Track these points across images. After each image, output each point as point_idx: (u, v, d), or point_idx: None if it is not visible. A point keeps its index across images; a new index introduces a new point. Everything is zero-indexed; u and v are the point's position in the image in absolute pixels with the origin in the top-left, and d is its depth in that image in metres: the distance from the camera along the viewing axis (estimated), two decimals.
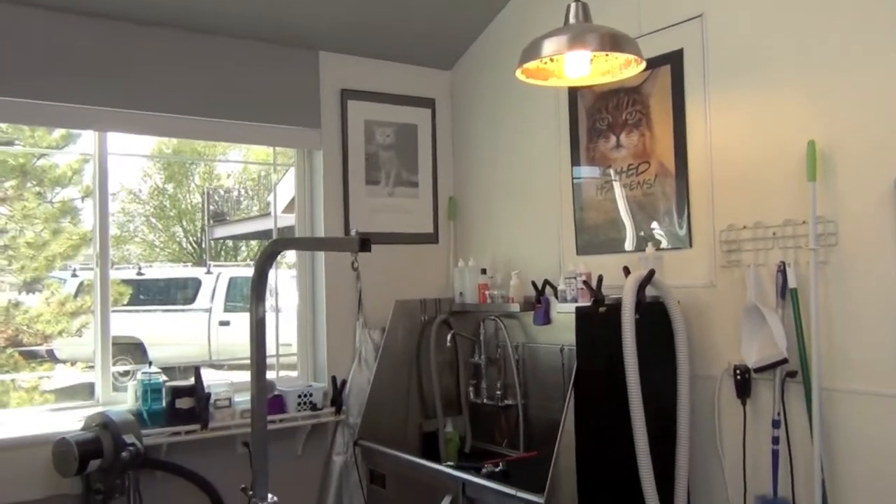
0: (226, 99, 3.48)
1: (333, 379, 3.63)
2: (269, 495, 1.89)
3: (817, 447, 2.46)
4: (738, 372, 2.72)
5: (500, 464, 3.11)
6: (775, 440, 2.62)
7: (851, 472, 2.45)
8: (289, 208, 4.34)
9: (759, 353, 2.63)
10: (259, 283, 1.68)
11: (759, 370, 2.63)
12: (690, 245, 2.93)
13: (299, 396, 3.53)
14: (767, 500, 2.64)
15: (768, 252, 2.65)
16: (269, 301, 3.88)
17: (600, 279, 2.84)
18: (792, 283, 2.56)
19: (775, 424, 2.62)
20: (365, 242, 1.37)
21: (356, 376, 3.69)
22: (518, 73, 2.48)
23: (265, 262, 1.67)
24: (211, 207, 11.08)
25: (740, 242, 2.74)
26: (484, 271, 3.66)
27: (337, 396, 3.61)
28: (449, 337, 3.64)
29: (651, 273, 2.75)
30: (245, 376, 3.57)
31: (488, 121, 3.92)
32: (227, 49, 3.49)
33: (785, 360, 2.54)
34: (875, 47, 2.38)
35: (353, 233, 1.41)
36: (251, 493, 1.98)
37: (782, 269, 2.59)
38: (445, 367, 3.77)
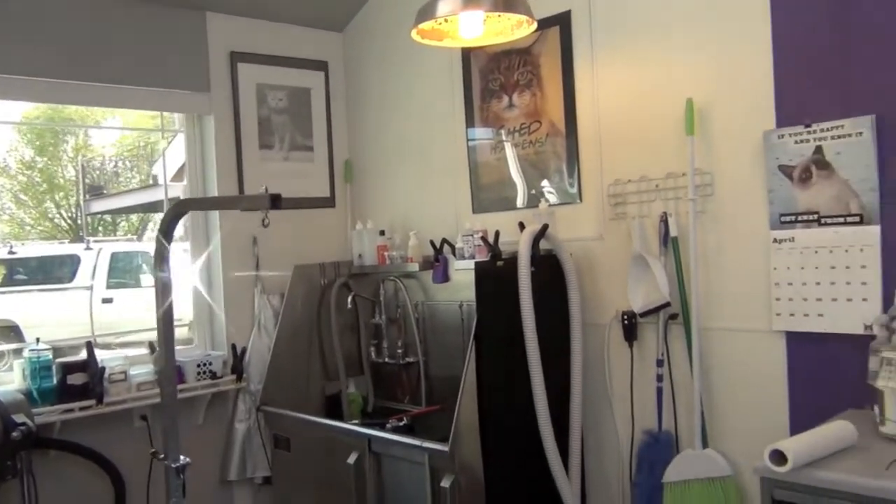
0: (104, 61, 3.32)
1: (233, 347, 3.59)
2: (181, 457, 1.89)
3: (697, 382, 2.67)
4: (625, 317, 2.90)
5: (405, 418, 3.19)
6: (659, 378, 2.82)
7: (727, 402, 2.68)
8: (177, 177, 4.21)
9: (645, 299, 2.81)
10: (164, 246, 1.66)
11: (644, 314, 2.81)
12: (580, 200, 3.08)
13: (198, 366, 3.48)
14: (653, 434, 2.85)
15: (651, 204, 2.83)
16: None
17: (497, 234, 2.94)
18: (673, 232, 2.74)
19: (659, 364, 2.82)
20: (276, 199, 1.38)
21: (256, 343, 3.66)
22: (413, 34, 2.52)
23: (170, 224, 1.65)
24: (87, 181, 10.52)
25: (626, 196, 2.91)
26: (382, 233, 3.70)
27: (237, 364, 3.58)
28: (349, 299, 3.67)
29: (545, 227, 2.87)
30: (134, 353, 3.48)
31: (382, 83, 3.94)
32: (104, 7, 3.33)
33: (668, 304, 2.73)
34: (745, 11, 2.55)
35: (262, 190, 1.42)
36: (162, 456, 1.97)
37: (664, 220, 2.77)
38: (346, 329, 3.81)
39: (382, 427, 3.11)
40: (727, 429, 2.68)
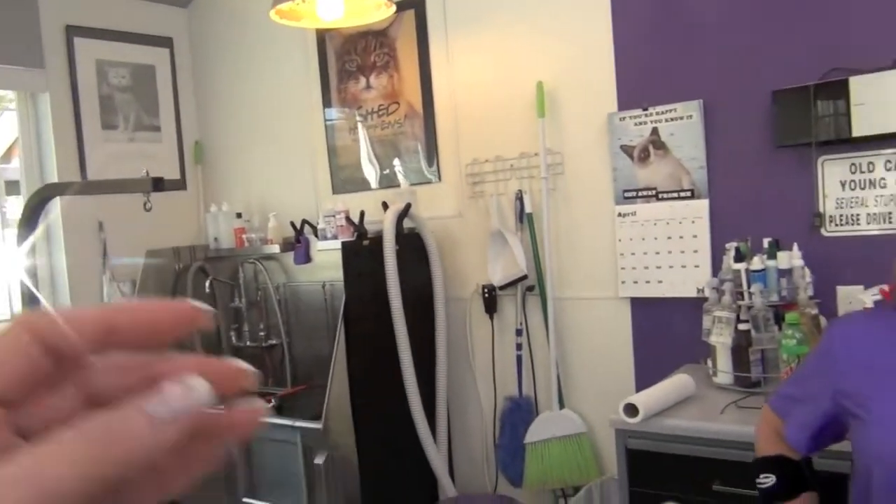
0: None
1: None
2: None
3: (553, 349, 2.87)
4: (485, 291, 3.06)
5: (272, 399, 3.18)
6: (519, 347, 3.00)
7: (580, 365, 2.90)
8: (3, 159, 3.91)
9: (503, 272, 2.97)
10: (27, 235, 1.58)
11: (503, 287, 2.97)
12: (440, 179, 3.18)
13: None
14: (514, 399, 3.03)
15: (507, 182, 2.98)
16: None
17: (362, 214, 2.99)
18: (528, 209, 2.91)
19: (518, 333, 3.00)
20: (159, 182, 1.36)
21: None
22: (272, 14, 2.50)
23: (34, 211, 1.57)
24: None
25: (483, 175, 3.05)
26: (239, 215, 3.63)
27: None
28: (207, 283, 3.58)
29: (408, 206, 2.96)
30: None
31: (232, 61, 3.84)
32: None
33: (525, 277, 2.91)
34: (588, 1, 2.74)
35: (144, 173, 1.38)
36: None
37: (520, 197, 2.93)
38: None
39: None
40: (581, 390, 2.90)
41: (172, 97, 3.89)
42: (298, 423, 2.74)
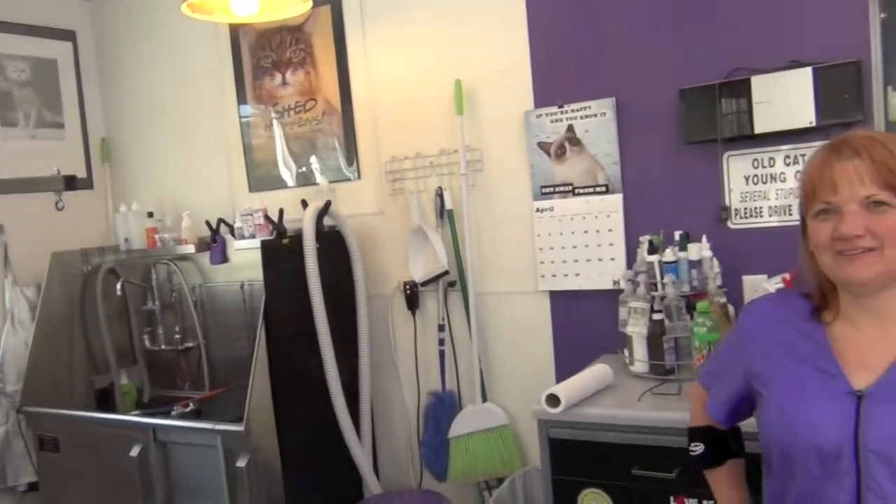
0: None
1: None
2: None
3: (475, 343, 2.90)
4: (407, 287, 3.06)
5: (191, 403, 3.10)
6: (441, 342, 3.02)
7: (502, 359, 2.94)
8: None
9: (425, 269, 2.99)
10: None
11: (424, 283, 2.99)
12: (360, 177, 3.17)
13: None
14: (438, 394, 3.05)
15: (427, 179, 3.00)
16: None
17: (281, 212, 2.95)
18: (448, 205, 2.94)
19: (441, 329, 3.02)
20: (71, 180, 1.31)
21: (10, 340, 3.33)
22: (183, 8, 2.44)
23: None
24: None
25: (403, 172, 3.05)
26: (151, 214, 3.51)
27: None
28: (118, 286, 3.45)
29: (328, 204, 2.93)
30: None
31: (140, 56, 3.71)
32: None
33: (446, 273, 2.93)
34: (504, 1, 2.78)
35: (55, 171, 1.32)
36: None
37: (440, 194, 2.95)
38: (115, 318, 3.57)
39: (167, 414, 3.00)
40: (503, 383, 2.95)
41: (76, 93, 3.74)
42: (219, 427, 2.68)
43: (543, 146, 2.75)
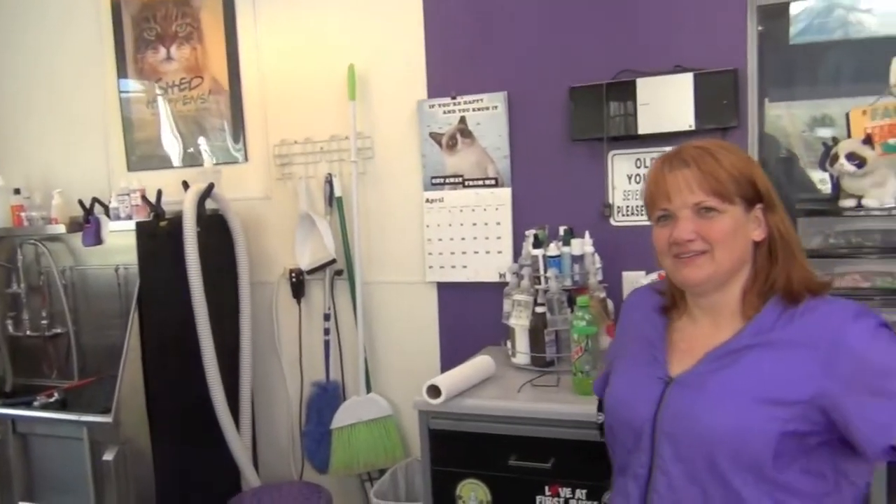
0: None
1: None
2: None
3: (360, 333, 2.86)
4: (293, 275, 2.99)
5: (55, 394, 2.91)
6: (327, 332, 2.97)
7: (388, 350, 2.92)
8: None
9: (311, 257, 2.93)
10: None
11: (311, 272, 2.93)
12: (246, 160, 3.06)
13: None
14: (321, 385, 2.99)
15: (317, 165, 2.93)
16: None
17: (159, 193, 2.81)
18: (338, 192, 2.88)
19: (326, 318, 2.97)
20: None
21: None
22: None
23: None
24: None
25: (292, 157, 2.97)
26: (17, 191, 3.27)
27: None
28: None
29: (210, 186, 2.82)
30: None
31: (11, 19, 3.45)
32: None
33: (333, 261, 2.88)
34: None
35: None
36: None
37: (329, 181, 2.89)
38: None
39: (28, 405, 2.81)
40: (388, 373, 2.92)
41: None
42: (85, 418, 2.54)
43: (435, 137, 2.73)
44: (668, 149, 2.37)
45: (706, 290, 1.25)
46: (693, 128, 2.32)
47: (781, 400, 1.14)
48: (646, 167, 2.48)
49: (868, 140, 2.00)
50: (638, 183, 2.49)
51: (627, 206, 2.51)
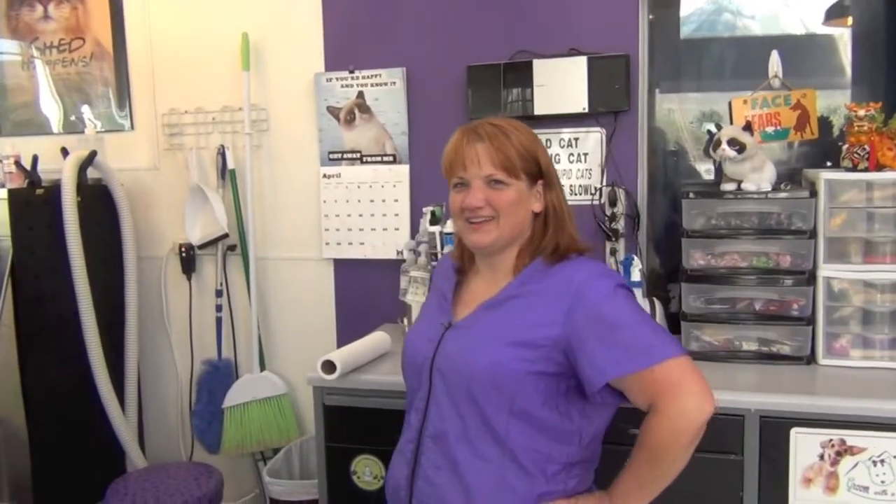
0: None
1: None
2: None
3: (254, 309, 2.80)
4: (183, 250, 2.89)
5: None
6: (219, 308, 2.89)
7: (283, 327, 2.87)
8: None
9: (203, 231, 2.83)
10: None
11: (202, 246, 2.84)
12: (132, 128, 2.92)
13: None
14: (213, 363, 2.92)
15: (209, 136, 2.83)
16: None
17: (35, 159, 2.64)
18: (231, 165, 2.80)
19: (218, 294, 2.88)
20: None
21: None
22: None
23: None
24: None
25: (182, 126, 2.86)
26: None
27: None
28: None
29: (93, 154, 2.67)
30: None
31: None
32: None
33: (226, 235, 2.79)
34: None
35: None
36: None
37: (222, 153, 2.80)
38: None
39: None
40: (283, 351, 2.88)
41: None
42: None
43: (333, 111, 2.69)
44: (564, 130, 2.47)
45: (491, 251, 1.42)
46: (587, 110, 2.39)
47: (529, 342, 1.32)
48: None
49: (748, 127, 2.11)
50: None
51: None
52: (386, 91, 2.63)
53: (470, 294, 1.48)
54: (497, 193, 1.37)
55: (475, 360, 1.34)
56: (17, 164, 2.66)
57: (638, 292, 2.26)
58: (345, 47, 2.67)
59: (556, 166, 2.48)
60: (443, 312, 1.47)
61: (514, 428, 1.32)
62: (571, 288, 1.33)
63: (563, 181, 2.50)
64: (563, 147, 2.50)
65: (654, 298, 2.28)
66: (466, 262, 1.52)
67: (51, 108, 3.00)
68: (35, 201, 2.56)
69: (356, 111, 2.67)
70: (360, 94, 2.65)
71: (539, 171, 1.41)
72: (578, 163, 2.50)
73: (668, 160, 2.52)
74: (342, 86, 2.67)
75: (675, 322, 2.21)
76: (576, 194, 2.50)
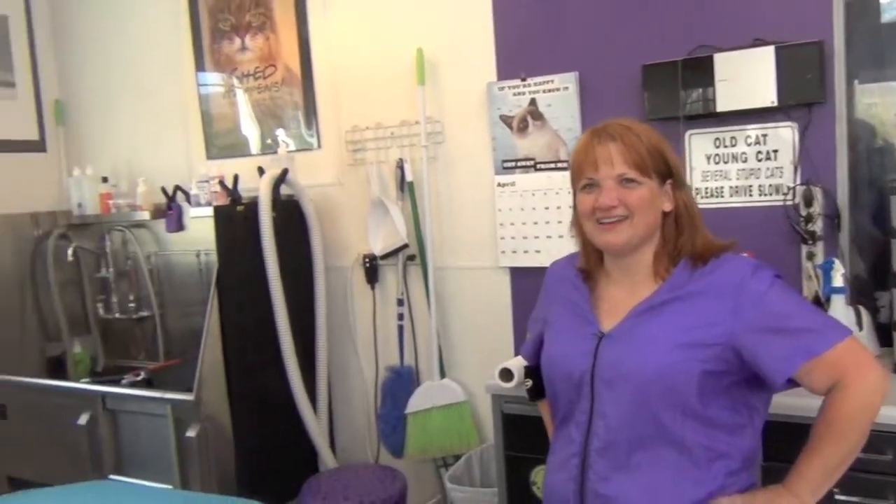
0: None
1: None
2: None
3: (434, 318, 2.87)
4: (366, 260, 3.02)
5: (142, 373, 3.05)
6: (400, 317, 2.99)
7: (461, 335, 2.92)
8: None
9: (384, 242, 2.94)
10: None
11: (384, 257, 2.95)
12: (319, 146, 3.11)
13: None
14: (396, 369, 3.02)
15: (388, 150, 2.94)
16: None
17: (236, 178, 2.88)
18: (409, 178, 2.89)
19: (400, 303, 2.98)
20: None
21: None
22: None
23: None
24: None
25: (364, 142, 2.99)
26: (105, 179, 3.42)
27: None
28: (70, 252, 3.36)
29: (285, 171, 2.87)
30: None
31: (97, 15, 3.59)
32: None
33: (406, 246, 2.89)
34: None
35: None
36: None
37: (401, 166, 2.90)
38: (68, 285, 3.49)
39: (117, 383, 2.94)
40: (462, 359, 2.92)
41: (28, 51, 3.61)
42: (169, 395, 2.64)
43: (506, 119, 2.70)
44: (749, 127, 2.32)
45: (625, 251, 1.40)
46: (775, 104, 2.22)
47: (699, 342, 1.31)
48: (726, 147, 2.39)
49: None
50: (718, 164, 2.40)
51: (707, 188, 2.43)
52: (558, 97, 2.60)
53: (609, 302, 1.45)
54: (630, 192, 1.36)
55: (644, 365, 1.33)
56: (221, 183, 2.91)
57: (840, 299, 2.07)
58: (516, 56, 2.67)
59: (742, 165, 2.36)
60: (586, 323, 1.45)
61: (688, 428, 1.32)
62: (732, 285, 1.33)
63: (751, 181, 2.35)
64: (749, 145, 2.35)
65: (860, 307, 2.08)
66: (594, 266, 1.49)
67: (249, 131, 3.26)
68: (236, 217, 2.79)
69: (529, 118, 2.66)
70: (533, 101, 2.65)
71: (668, 170, 1.41)
72: (767, 161, 2.33)
73: (871, 155, 2.28)
74: (514, 94, 2.67)
75: (885, 333, 2.00)
76: (765, 194, 2.34)
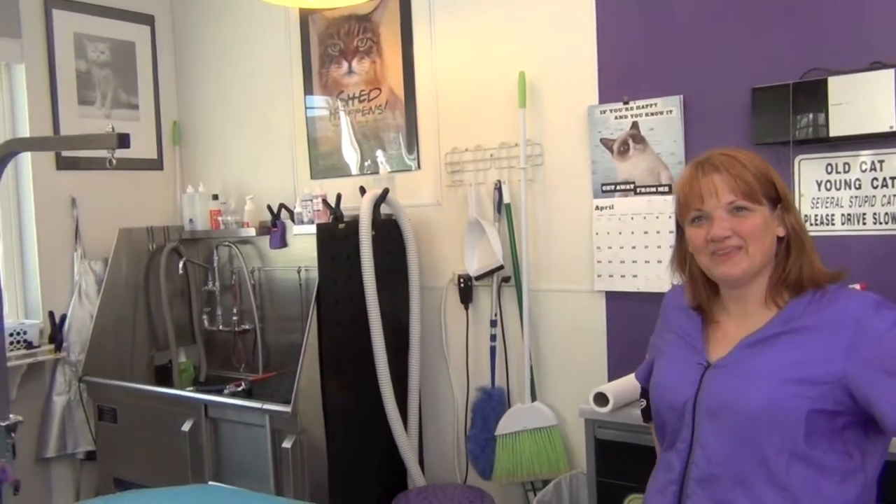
0: None
1: (51, 314, 3.36)
2: (11, 415, 1.79)
3: (527, 340, 2.86)
4: (461, 280, 3.05)
5: (242, 384, 3.16)
6: (493, 338, 2.99)
7: (553, 358, 2.89)
8: None
9: (480, 263, 2.96)
10: None
11: (479, 278, 2.96)
12: (419, 167, 3.17)
13: (11, 335, 3.22)
14: (487, 391, 3.02)
15: (486, 172, 2.97)
16: None
17: (339, 197, 2.97)
18: (506, 199, 2.90)
19: (493, 324, 2.99)
20: (124, 138, 1.33)
21: (76, 311, 3.45)
22: None
23: None
24: None
25: (463, 164, 3.03)
26: (216, 197, 3.60)
27: (56, 333, 3.35)
28: (180, 265, 3.54)
29: (385, 191, 2.93)
30: None
31: (214, 42, 3.80)
32: None
33: (501, 267, 2.89)
34: None
35: (108, 128, 1.36)
36: None
37: (498, 187, 2.92)
38: (177, 297, 3.67)
39: (219, 392, 3.06)
40: (553, 382, 2.89)
41: (152, 76, 3.85)
42: (267, 406, 2.71)
43: (606, 143, 2.69)
44: (864, 153, 2.22)
45: (742, 282, 1.36)
46: (894, 129, 2.12)
47: (810, 379, 1.26)
48: (838, 173, 2.29)
49: None
50: (829, 190, 2.31)
51: (817, 216, 2.33)
52: (661, 120, 2.57)
53: (721, 332, 1.42)
54: (742, 221, 1.33)
55: (750, 398, 1.29)
56: (324, 201, 3.00)
57: None
58: (619, 78, 2.66)
59: (856, 192, 2.26)
60: (694, 352, 1.42)
61: (794, 470, 1.26)
62: (849, 322, 1.27)
63: (865, 208, 2.25)
64: (863, 171, 2.25)
65: None
66: (706, 300, 1.45)
67: (351, 153, 3.36)
68: (337, 235, 2.87)
69: (630, 142, 2.64)
70: (635, 125, 2.62)
71: (777, 195, 1.37)
72: (884, 188, 2.23)
73: None
74: (616, 117, 2.66)
75: None
76: (880, 223, 2.23)
